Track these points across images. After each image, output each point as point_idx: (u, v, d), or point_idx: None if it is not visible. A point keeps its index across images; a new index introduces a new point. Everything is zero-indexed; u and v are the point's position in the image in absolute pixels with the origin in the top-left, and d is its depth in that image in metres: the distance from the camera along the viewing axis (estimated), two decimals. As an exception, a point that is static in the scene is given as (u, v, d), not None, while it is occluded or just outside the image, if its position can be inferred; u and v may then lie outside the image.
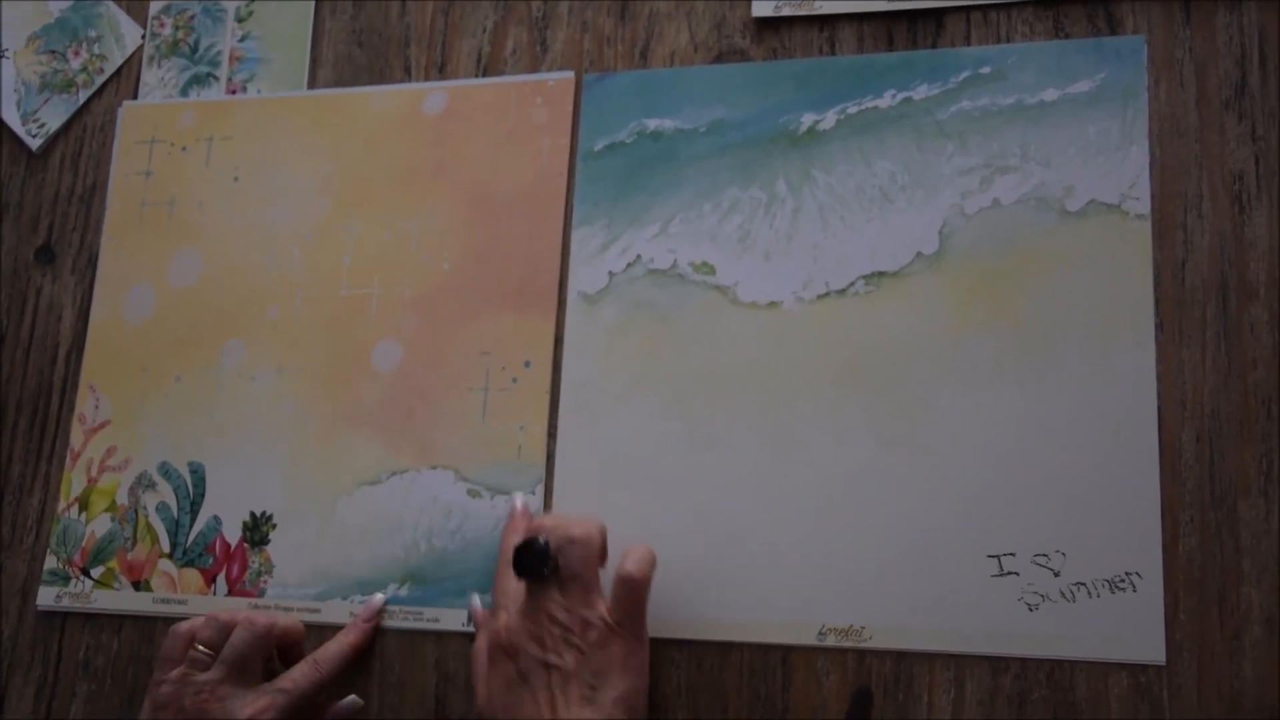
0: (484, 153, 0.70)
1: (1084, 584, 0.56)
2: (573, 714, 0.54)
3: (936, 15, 0.65)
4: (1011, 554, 0.58)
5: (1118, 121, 0.61)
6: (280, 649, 0.64)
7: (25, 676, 0.70)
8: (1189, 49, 0.61)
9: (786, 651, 0.59)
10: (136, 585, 0.69)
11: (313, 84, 0.75)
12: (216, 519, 0.69)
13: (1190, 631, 0.55)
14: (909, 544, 0.59)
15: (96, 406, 0.72)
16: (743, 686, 0.59)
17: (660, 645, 0.61)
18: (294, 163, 0.73)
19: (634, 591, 0.56)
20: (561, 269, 0.67)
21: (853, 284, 0.63)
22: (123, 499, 0.70)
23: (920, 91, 0.64)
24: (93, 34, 0.80)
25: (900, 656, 0.58)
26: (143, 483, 0.70)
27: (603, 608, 0.56)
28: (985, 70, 0.63)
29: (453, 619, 0.64)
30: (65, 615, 0.70)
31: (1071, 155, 0.61)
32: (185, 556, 0.69)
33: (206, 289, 0.73)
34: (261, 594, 0.67)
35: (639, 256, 0.66)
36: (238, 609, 0.66)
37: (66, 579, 0.70)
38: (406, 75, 0.73)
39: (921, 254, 0.62)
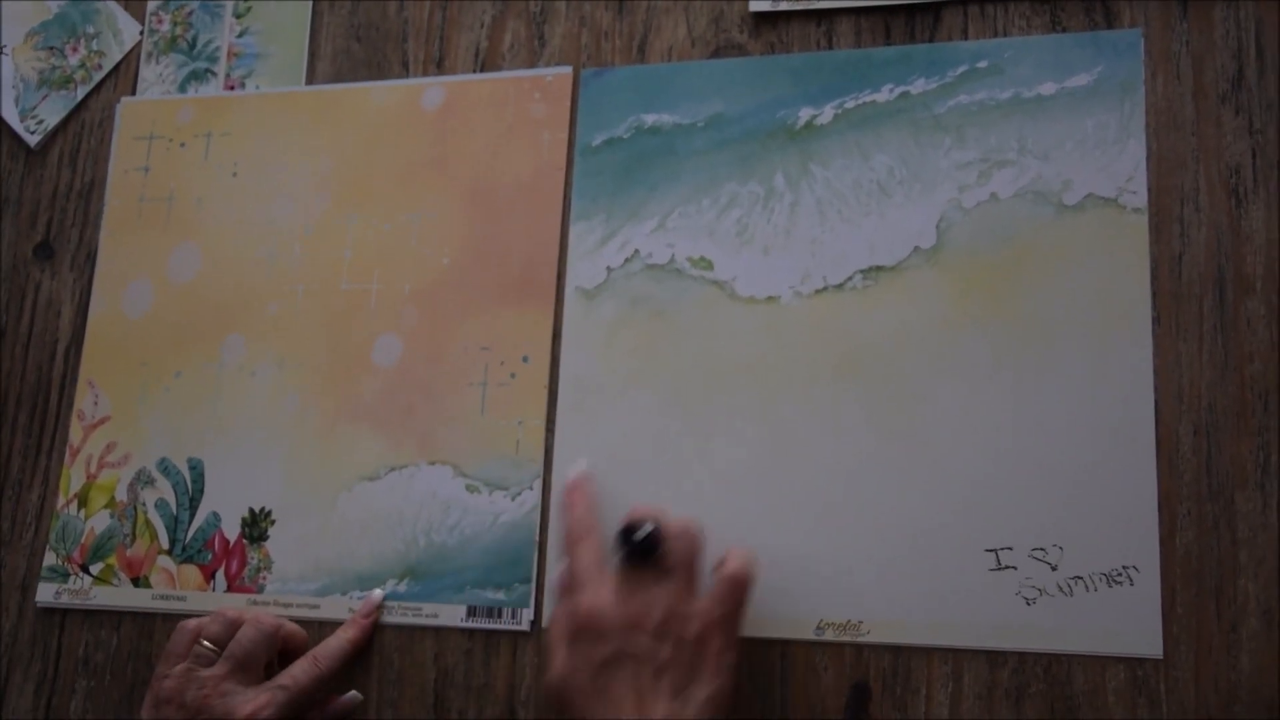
0: (482, 148, 0.70)
1: (1081, 578, 0.56)
2: (660, 710, 0.52)
3: (934, 9, 0.65)
4: (1009, 548, 0.58)
5: (1115, 115, 0.61)
6: (282, 653, 0.64)
7: (25, 673, 0.70)
8: (1186, 42, 0.61)
9: (784, 646, 0.59)
10: (136, 581, 0.69)
11: (311, 79, 0.75)
12: (215, 515, 0.69)
13: (1187, 625, 0.55)
14: (906, 538, 0.59)
15: (96, 402, 0.73)
16: (741, 681, 0.60)
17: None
18: (293, 158, 0.73)
19: (738, 590, 0.55)
20: (560, 264, 0.67)
21: (850, 278, 0.63)
22: (122, 495, 0.71)
23: (918, 86, 0.64)
24: (91, 30, 0.80)
25: (898, 651, 0.58)
26: (142, 479, 0.70)
27: (703, 604, 0.55)
28: (982, 64, 0.63)
29: (451, 614, 0.64)
30: (65, 612, 0.70)
31: (1069, 149, 0.61)
32: (184, 553, 0.69)
33: (206, 284, 0.73)
34: (260, 590, 0.67)
35: (637, 251, 0.66)
36: (240, 605, 0.67)
37: (66, 575, 0.70)
38: (405, 70, 0.73)
39: (919, 248, 0.62)
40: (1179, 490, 0.56)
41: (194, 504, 0.69)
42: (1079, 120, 0.61)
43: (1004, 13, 0.64)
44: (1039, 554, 0.57)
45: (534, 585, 0.63)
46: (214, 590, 0.68)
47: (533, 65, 0.71)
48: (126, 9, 0.80)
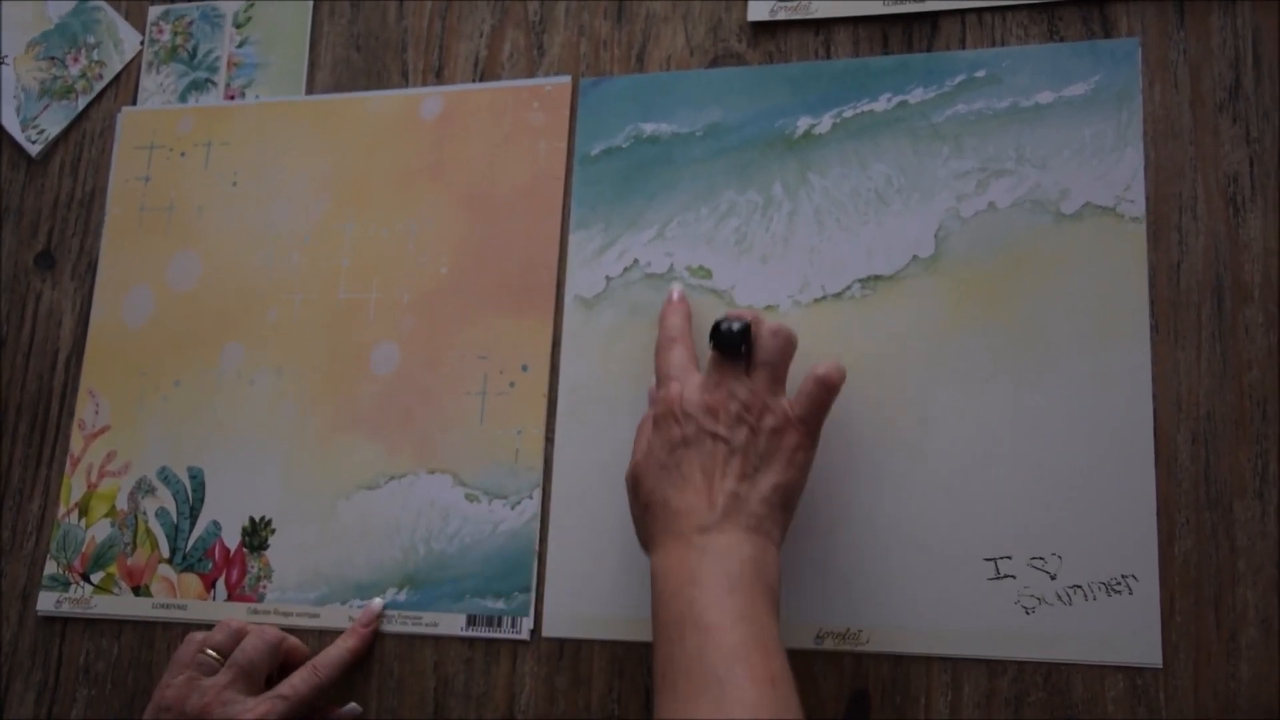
0: (481, 157, 0.70)
1: (1080, 586, 0.56)
2: (725, 487, 0.54)
3: (931, 19, 0.65)
4: (1008, 557, 0.58)
5: (1112, 124, 0.61)
6: (283, 666, 0.64)
7: (26, 682, 0.70)
8: (1183, 51, 0.61)
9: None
10: (136, 590, 0.69)
11: (311, 89, 0.75)
12: (216, 524, 0.69)
13: (1186, 633, 0.55)
14: (906, 547, 0.59)
15: (96, 411, 0.73)
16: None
17: (658, 648, 0.61)
18: (292, 167, 0.74)
19: (826, 392, 0.56)
20: (559, 273, 0.67)
21: (849, 287, 0.63)
22: (122, 504, 0.71)
23: (915, 95, 0.64)
24: (92, 40, 0.80)
25: (897, 660, 0.58)
26: (142, 488, 0.71)
27: (785, 400, 0.56)
28: (980, 73, 0.63)
29: (451, 623, 0.64)
30: (65, 620, 0.70)
31: (1066, 158, 0.61)
32: (185, 561, 0.69)
33: (205, 293, 0.73)
34: (261, 599, 0.67)
35: (636, 260, 0.66)
36: (240, 614, 0.67)
37: (66, 584, 0.70)
38: (404, 80, 0.73)
39: (917, 257, 0.62)
40: (1177, 498, 0.56)
41: (194, 513, 0.69)
42: (1077, 129, 0.61)
43: (1002, 22, 0.64)
44: (1038, 563, 0.57)
45: (533, 594, 0.63)
46: (214, 599, 0.68)
47: (531, 74, 0.71)
48: (127, 19, 0.80)
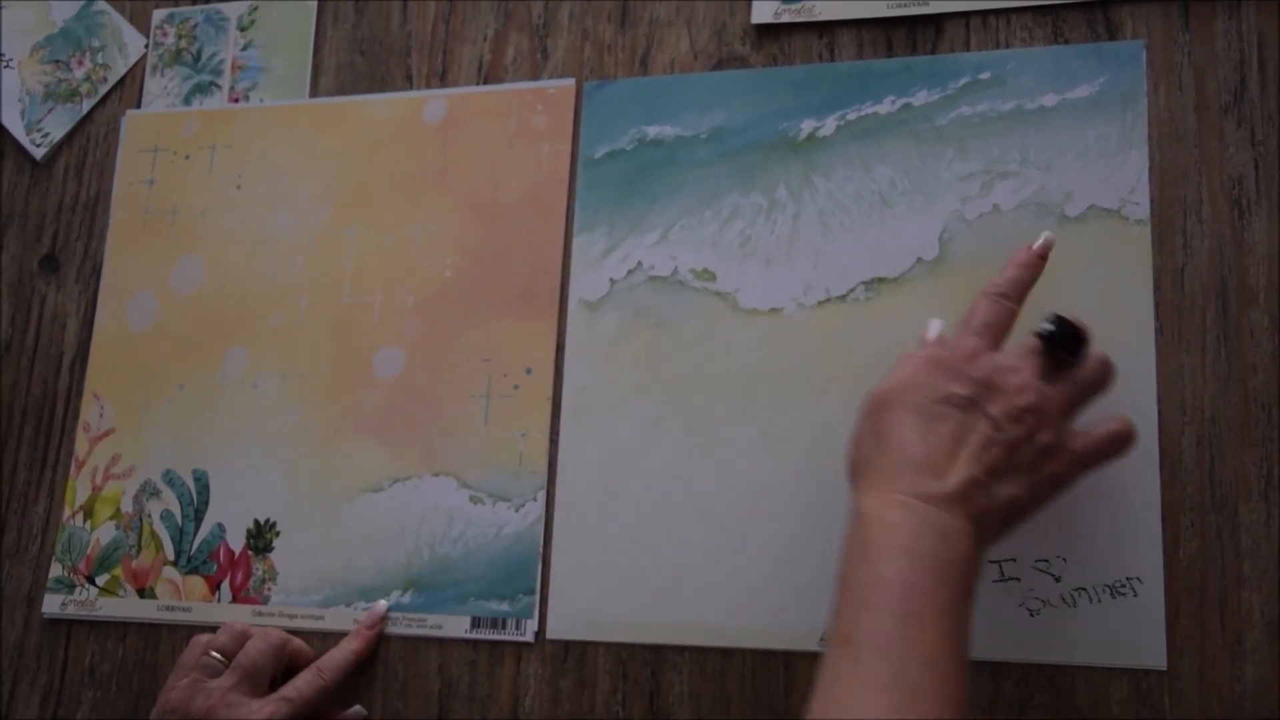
0: (485, 160, 0.70)
1: (1085, 589, 0.56)
2: (971, 471, 0.49)
3: (936, 21, 0.65)
4: (1012, 560, 0.58)
5: (1117, 126, 0.61)
6: (288, 669, 0.64)
7: (31, 684, 0.70)
8: (1188, 54, 0.61)
9: (788, 657, 0.59)
10: (141, 593, 0.69)
11: (314, 92, 0.75)
12: (220, 526, 0.69)
13: (1191, 636, 0.55)
14: (910, 549, 0.59)
15: (101, 414, 0.73)
16: (745, 692, 0.60)
17: (662, 651, 0.61)
18: (296, 171, 0.74)
19: (1112, 443, 0.53)
20: (562, 276, 0.67)
21: (853, 290, 0.63)
22: (127, 507, 0.71)
23: (920, 97, 0.64)
24: (96, 43, 0.80)
25: (902, 662, 0.58)
26: (147, 491, 0.71)
27: (1074, 429, 0.52)
28: (985, 76, 0.63)
29: (455, 625, 0.64)
30: (71, 623, 0.70)
31: (1071, 160, 0.61)
32: (189, 564, 0.69)
33: (209, 297, 0.73)
34: (265, 601, 0.67)
35: (640, 263, 0.66)
36: (245, 617, 0.67)
37: (72, 587, 0.70)
38: (408, 83, 0.73)
39: (922, 259, 0.62)
40: (1182, 502, 0.56)
41: (199, 515, 0.70)
42: (1081, 131, 0.61)
43: (1006, 24, 0.64)
44: (1042, 565, 0.57)
45: (538, 596, 0.63)
46: (219, 601, 0.68)
47: (535, 78, 0.71)
48: (131, 22, 0.80)
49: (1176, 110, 0.61)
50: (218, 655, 0.62)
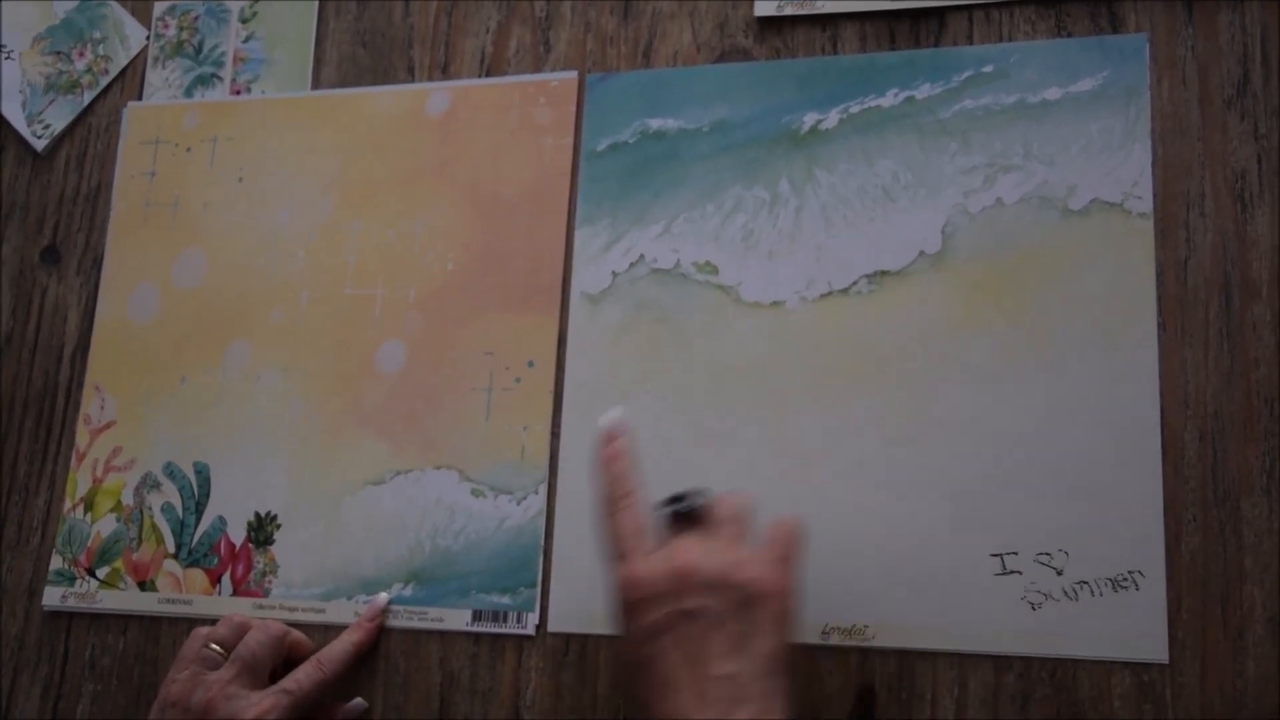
0: (487, 153, 0.70)
1: (1087, 583, 0.56)
2: (720, 669, 0.47)
3: (939, 14, 0.65)
4: (1014, 553, 0.58)
5: (1120, 120, 0.61)
6: (288, 661, 0.64)
7: (32, 676, 0.70)
8: (1191, 47, 0.61)
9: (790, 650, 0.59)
10: (142, 585, 0.69)
11: (316, 85, 0.75)
12: (221, 519, 0.69)
13: (1193, 630, 0.55)
14: (912, 543, 0.59)
15: (102, 407, 0.73)
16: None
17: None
18: (298, 163, 0.73)
19: (790, 540, 0.52)
20: (565, 269, 0.67)
21: (856, 283, 0.63)
22: (128, 499, 0.71)
23: (923, 90, 0.64)
24: (97, 35, 0.80)
25: (903, 655, 0.58)
26: (148, 483, 0.71)
27: (753, 554, 0.51)
28: (988, 69, 0.63)
29: (457, 619, 0.64)
30: (71, 615, 0.70)
31: (1074, 154, 0.61)
32: (190, 557, 0.69)
33: (211, 290, 0.73)
34: (266, 594, 0.67)
35: (642, 256, 0.66)
36: (246, 609, 0.67)
37: (72, 579, 0.70)
38: (410, 76, 0.73)
39: (924, 253, 0.62)
40: (1185, 496, 0.56)
41: (200, 508, 0.70)
42: (1084, 125, 0.61)
43: (1009, 18, 0.64)
44: (1044, 559, 0.57)
45: (539, 589, 0.63)
46: (220, 594, 0.68)
47: (538, 70, 0.71)
48: (133, 14, 0.80)
49: (1180, 104, 0.61)
50: (217, 648, 0.62)
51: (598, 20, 0.71)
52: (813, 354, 0.62)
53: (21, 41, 0.81)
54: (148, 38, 0.79)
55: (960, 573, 0.58)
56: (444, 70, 0.73)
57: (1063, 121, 0.62)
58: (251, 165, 0.74)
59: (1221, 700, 0.54)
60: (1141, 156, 0.60)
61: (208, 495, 0.70)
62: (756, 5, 0.68)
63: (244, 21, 0.77)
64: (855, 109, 0.65)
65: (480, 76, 0.72)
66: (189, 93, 0.77)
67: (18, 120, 0.80)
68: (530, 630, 0.63)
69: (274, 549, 0.68)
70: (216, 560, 0.69)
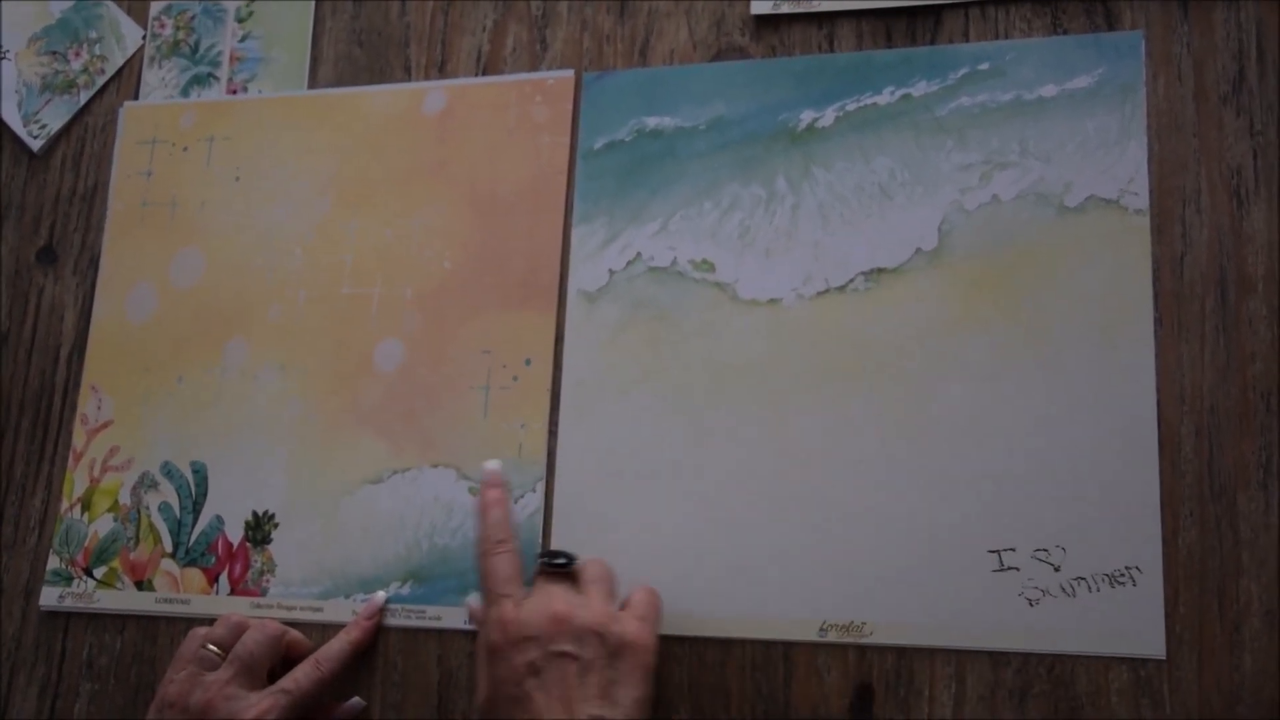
0: (484, 151, 0.70)
1: (1084, 578, 0.56)
2: (589, 710, 0.51)
3: (935, 12, 0.65)
4: (1012, 549, 0.58)
5: (1116, 117, 0.61)
6: (286, 660, 0.64)
7: (29, 676, 0.70)
8: (1187, 44, 0.61)
9: (788, 647, 0.60)
10: (139, 585, 0.69)
11: (313, 84, 0.75)
12: (219, 518, 0.69)
13: (1190, 625, 0.55)
14: (910, 540, 0.59)
15: (99, 407, 0.73)
16: (744, 682, 0.60)
17: (662, 642, 0.61)
18: (295, 162, 0.73)
19: (653, 601, 0.57)
20: (562, 267, 0.67)
21: (852, 280, 0.63)
22: (125, 499, 0.71)
23: (919, 88, 0.64)
24: (94, 35, 0.80)
25: (901, 652, 0.58)
26: (145, 483, 0.71)
27: (621, 611, 0.56)
28: (984, 66, 0.63)
29: (455, 617, 0.64)
30: (68, 615, 0.70)
31: (1070, 151, 0.61)
32: (188, 556, 0.69)
33: (208, 289, 0.73)
34: (264, 593, 0.67)
35: (639, 254, 0.66)
36: (243, 608, 0.67)
37: (69, 579, 0.70)
38: (407, 74, 0.73)
39: (921, 250, 0.62)
40: (1181, 491, 0.56)
41: (197, 507, 0.69)
42: (1080, 122, 0.61)
43: (1005, 15, 0.64)
44: (1042, 555, 0.57)
45: (537, 588, 0.63)
46: (217, 593, 0.68)
47: (534, 69, 0.71)
48: (129, 13, 0.80)
49: (1175, 100, 0.61)
50: (214, 648, 0.62)
51: (594, 19, 0.71)
52: (810, 351, 0.62)
53: (17, 41, 0.81)
54: (144, 37, 0.79)
55: (958, 569, 0.58)
56: (440, 69, 0.73)
57: (1059, 118, 0.62)
58: (249, 164, 0.74)
59: (1219, 695, 0.54)
60: (1137, 153, 0.60)
61: (205, 494, 0.70)
62: (753, 4, 0.68)
63: (240, 21, 0.77)
64: (852, 107, 0.65)
65: (477, 75, 0.72)
66: (185, 92, 0.77)
67: (14, 120, 0.79)
68: (528, 628, 0.63)
69: (271, 548, 0.68)
70: (214, 559, 0.68)
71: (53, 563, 0.71)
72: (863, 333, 0.62)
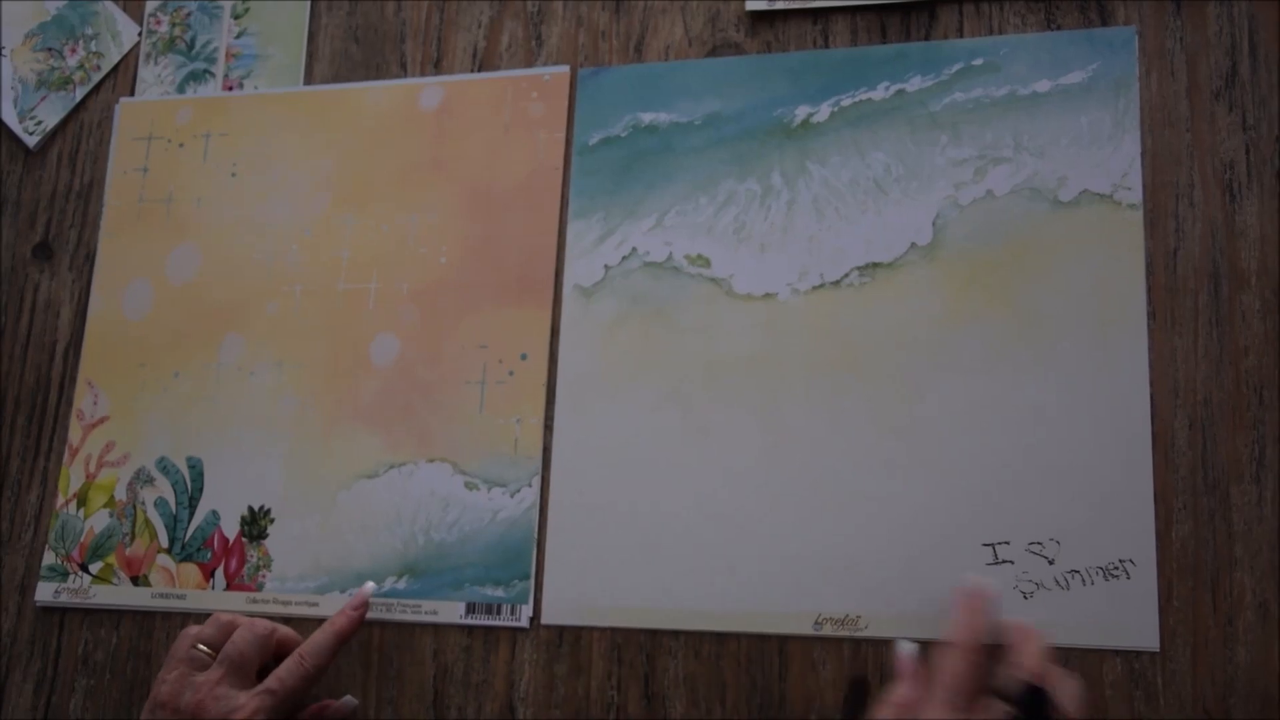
0: (480, 147, 0.70)
1: (1078, 571, 0.57)
2: None
3: (929, 7, 0.65)
4: (1006, 542, 0.58)
5: (1110, 112, 0.61)
6: (278, 657, 0.63)
7: (24, 672, 0.70)
8: (1180, 39, 0.61)
9: (783, 641, 0.60)
10: (135, 580, 0.69)
11: (309, 80, 0.75)
12: (215, 513, 0.69)
13: (1184, 618, 0.55)
14: (904, 533, 0.59)
15: (95, 402, 0.73)
16: (740, 676, 0.60)
17: (657, 636, 0.61)
18: (291, 158, 0.74)
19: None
20: (558, 262, 0.67)
21: (847, 275, 0.63)
22: (121, 494, 0.71)
23: (914, 83, 0.64)
24: (89, 31, 0.80)
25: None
26: (141, 478, 0.71)
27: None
28: (978, 62, 0.64)
29: (450, 611, 0.64)
30: (64, 610, 0.70)
31: (1064, 146, 0.61)
32: (184, 551, 0.69)
33: (205, 285, 0.73)
34: (260, 588, 0.67)
35: (635, 249, 0.66)
36: (239, 604, 0.67)
37: (65, 574, 0.70)
38: (403, 71, 0.73)
39: (916, 245, 0.62)
40: (1175, 484, 0.57)
41: (193, 503, 0.69)
42: (1074, 117, 0.62)
43: (999, 11, 0.64)
44: (1036, 548, 0.57)
45: (533, 581, 0.63)
46: (213, 589, 0.68)
47: (530, 65, 0.71)
48: (125, 10, 0.80)
49: (1169, 95, 0.61)
50: (204, 648, 0.61)
51: (589, 15, 0.71)
52: (804, 346, 0.63)
53: (13, 38, 0.81)
54: (140, 34, 0.79)
55: (953, 562, 0.58)
56: (436, 65, 0.73)
57: (1053, 114, 0.62)
58: (245, 161, 0.74)
59: (1212, 687, 0.54)
60: (1131, 148, 0.61)
61: (201, 490, 0.70)
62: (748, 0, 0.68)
63: (236, 18, 0.78)
64: (846, 102, 0.65)
65: (473, 71, 0.72)
66: (181, 89, 0.77)
67: (10, 117, 0.80)
68: (524, 622, 0.63)
69: (267, 543, 0.68)
70: (210, 555, 0.68)
71: (48, 558, 0.71)
72: (858, 327, 0.62)
